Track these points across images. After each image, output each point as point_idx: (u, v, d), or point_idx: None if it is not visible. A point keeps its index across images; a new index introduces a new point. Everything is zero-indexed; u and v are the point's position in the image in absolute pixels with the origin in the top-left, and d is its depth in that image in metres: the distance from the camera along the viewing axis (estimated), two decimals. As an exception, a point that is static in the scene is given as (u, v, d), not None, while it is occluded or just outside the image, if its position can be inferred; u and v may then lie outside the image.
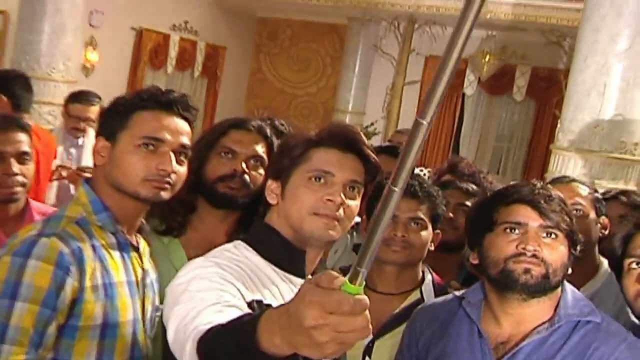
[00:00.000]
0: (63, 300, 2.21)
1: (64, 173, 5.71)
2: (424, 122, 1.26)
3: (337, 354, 1.31)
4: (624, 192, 3.88)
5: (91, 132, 6.32)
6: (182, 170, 2.43)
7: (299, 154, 2.21)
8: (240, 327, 1.54)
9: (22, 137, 3.21)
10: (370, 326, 1.29)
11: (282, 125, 3.87)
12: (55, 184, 4.80)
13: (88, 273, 2.28)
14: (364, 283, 1.29)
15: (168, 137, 2.37)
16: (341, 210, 2.14)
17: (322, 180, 2.16)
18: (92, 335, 2.29)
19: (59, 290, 2.20)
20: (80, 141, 6.21)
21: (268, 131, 2.95)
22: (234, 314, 1.76)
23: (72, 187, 5.60)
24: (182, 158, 2.41)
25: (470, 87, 17.18)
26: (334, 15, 17.92)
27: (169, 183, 2.37)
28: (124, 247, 2.44)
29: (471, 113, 17.50)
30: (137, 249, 2.50)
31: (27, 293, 2.16)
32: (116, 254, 2.40)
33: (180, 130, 2.41)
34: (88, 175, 5.79)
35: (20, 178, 3.14)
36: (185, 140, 2.43)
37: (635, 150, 8.16)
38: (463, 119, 17.51)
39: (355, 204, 2.21)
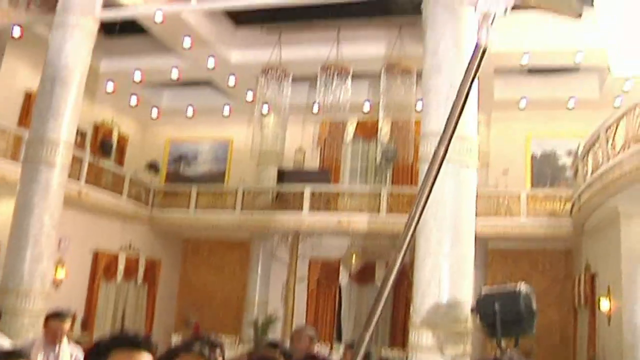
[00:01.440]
0: None
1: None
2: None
3: None
4: None
5: (64, 341, 6.11)
6: None
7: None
8: None
9: None
10: None
11: (215, 340, 3.85)
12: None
13: None
14: None
15: None
16: None
17: None
18: None
19: None
20: (56, 348, 5.97)
21: (207, 352, 2.94)
22: None
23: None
24: None
25: (344, 279, 17.40)
26: (241, 234, 18.13)
27: None
28: None
29: (347, 298, 17.62)
30: None
31: None
32: None
33: None
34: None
35: None
36: None
37: (466, 323, 8.31)
38: (342, 303, 17.58)
39: None
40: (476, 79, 6.66)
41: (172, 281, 19.57)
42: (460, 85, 1.55)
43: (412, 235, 1.33)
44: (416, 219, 1.32)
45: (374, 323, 1.33)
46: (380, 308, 1.34)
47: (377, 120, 15.05)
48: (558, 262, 16.45)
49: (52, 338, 6.00)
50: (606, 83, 14.92)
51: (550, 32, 13.38)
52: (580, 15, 1.86)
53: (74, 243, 15.62)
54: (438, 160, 1.48)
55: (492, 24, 1.67)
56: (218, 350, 3.53)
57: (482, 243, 13.29)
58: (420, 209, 1.33)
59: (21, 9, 12.04)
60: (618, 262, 11.19)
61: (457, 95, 1.55)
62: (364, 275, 17.01)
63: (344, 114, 13.91)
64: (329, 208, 16.46)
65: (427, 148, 8.64)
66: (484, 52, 1.56)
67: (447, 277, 8.35)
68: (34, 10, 11.90)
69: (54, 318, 6.15)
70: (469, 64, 1.52)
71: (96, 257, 16.96)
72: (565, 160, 16.90)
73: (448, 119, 1.55)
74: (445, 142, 1.51)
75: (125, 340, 2.43)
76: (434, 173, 1.49)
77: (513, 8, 1.67)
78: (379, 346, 15.37)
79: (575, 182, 13.55)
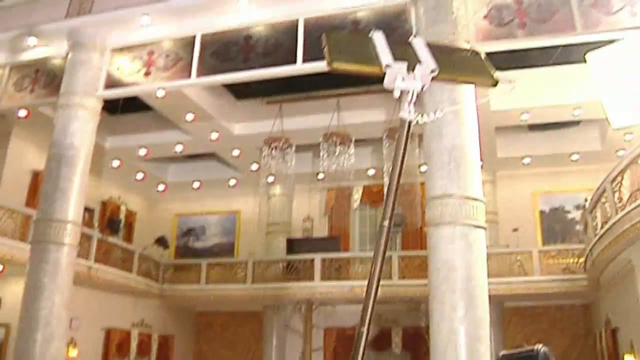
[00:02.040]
0: None
1: None
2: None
3: None
4: None
5: None
6: None
7: None
8: None
9: None
10: None
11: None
12: None
13: None
14: None
15: None
16: None
17: None
18: None
19: None
20: None
21: None
22: None
23: None
24: None
25: (359, 348, 17.13)
26: (253, 306, 18.00)
27: None
28: None
29: (365, 366, 17.27)
30: None
31: None
32: None
33: None
34: None
35: None
36: None
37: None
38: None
39: None
40: (478, 139, 6.68)
41: (186, 357, 19.31)
42: (394, 158, 1.62)
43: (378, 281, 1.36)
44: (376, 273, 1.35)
45: None
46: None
47: (383, 186, 15.09)
48: (577, 318, 16.20)
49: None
50: (608, 135, 14.99)
51: (548, 89, 13.53)
52: (495, 84, 1.92)
53: (86, 321, 15.52)
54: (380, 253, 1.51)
55: (412, 101, 1.73)
56: None
57: (497, 303, 13.13)
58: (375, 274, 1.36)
59: (26, 92, 12.27)
60: (638, 316, 10.99)
61: (392, 168, 1.62)
62: (380, 341, 16.76)
63: (349, 180, 13.97)
64: (341, 276, 16.37)
65: (434, 212, 8.62)
66: (409, 125, 1.61)
67: (463, 341, 8.20)
68: (38, 92, 12.13)
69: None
70: (398, 137, 1.61)
71: (108, 334, 16.82)
72: (575, 214, 16.84)
73: (388, 191, 1.63)
74: (387, 219, 1.55)
75: None
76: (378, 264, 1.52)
77: (431, 80, 1.76)
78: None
79: (586, 236, 13.44)
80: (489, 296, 8.69)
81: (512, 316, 16.47)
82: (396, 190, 1.57)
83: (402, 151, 1.59)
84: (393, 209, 1.54)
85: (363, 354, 1.34)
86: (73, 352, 15.18)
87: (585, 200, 13.09)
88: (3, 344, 14.44)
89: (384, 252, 1.35)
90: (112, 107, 14.33)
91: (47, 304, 10.93)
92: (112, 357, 16.78)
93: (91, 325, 15.92)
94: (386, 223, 1.54)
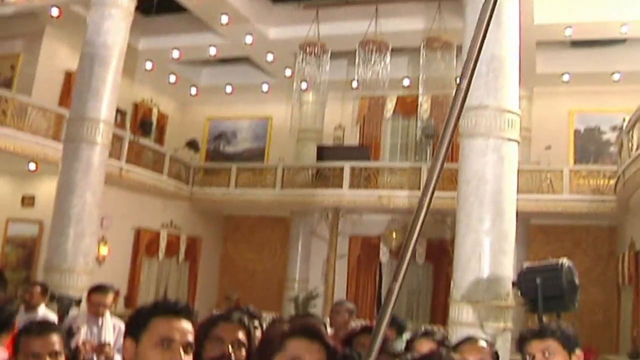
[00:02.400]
0: None
1: (88, 347, 5.59)
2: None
3: None
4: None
5: (107, 315, 6.22)
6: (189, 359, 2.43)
7: (278, 344, 2.21)
8: None
9: (55, 338, 3.18)
10: None
11: (254, 311, 3.87)
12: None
13: None
14: None
15: (177, 336, 2.36)
16: None
17: None
18: None
19: None
20: (100, 321, 6.08)
21: (246, 320, 2.97)
22: None
23: (95, 357, 5.45)
24: (189, 350, 2.43)
25: (384, 257, 17.36)
26: (281, 211, 18.20)
27: None
28: None
29: (387, 275, 17.60)
30: None
31: None
32: None
33: (186, 330, 2.40)
34: (108, 350, 5.68)
35: None
36: (190, 338, 2.41)
37: (507, 298, 8.25)
38: (382, 280, 17.60)
39: None
40: (518, 53, 6.51)
41: (213, 259, 19.75)
42: (474, 36, 1.49)
43: (426, 213, 1.30)
44: (428, 197, 1.29)
45: (395, 296, 1.30)
46: (400, 281, 1.31)
47: (417, 96, 14.90)
48: (602, 240, 16.18)
49: (95, 311, 6.11)
50: (653, 55, 14.57)
51: (595, 4, 13.07)
52: None
53: (116, 221, 15.85)
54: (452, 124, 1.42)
55: None
56: (257, 321, 3.55)
57: (523, 220, 13.11)
58: (432, 185, 1.30)
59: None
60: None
61: (471, 45, 1.49)
62: (405, 252, 16.94)
63: (383, 90, 13.79)
64: (369, 185, 16.41)
65: (468, 123, 8.54)
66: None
67: (488, 253, 8.29)
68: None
69: (96, 292, 6.26)
70: (481, 13, 1.46)
71: (138, 234, 17.21)
72: (610, 136, 16.57)
73: (462, 73, 1.49)
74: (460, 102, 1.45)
75: (165, 308, 2.45)
76: (447, 140, 1.43)
77: None
78: (419, 322, 15.33)
79: (620, 158, 13.26)
80: (516, 212, 8.72)
81: (536, 234, 16.50)
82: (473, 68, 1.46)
83: (484, 28, 1.45)
84: (464, 101, 1.44)
85: (403, 280, 1.31)
86: (104, 250, 15.59)
87: (624, 120, 12.84)
88: (37, 240, 14.89)
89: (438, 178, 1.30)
90: (146, 7, 14.18)
91: (79, 201, 11.18)
92: (141, 256, 17.21)
93: (121, 224, 16.27)
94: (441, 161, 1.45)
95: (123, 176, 15.50)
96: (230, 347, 2.81)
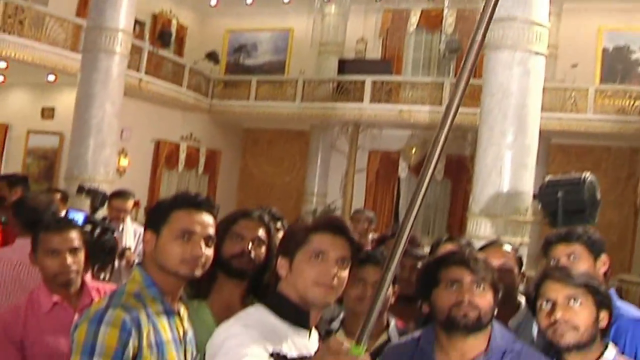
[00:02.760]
0: (127, 356, 2.23)
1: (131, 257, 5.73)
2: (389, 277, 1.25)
3: None
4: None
5: (128, 220, 6.28)
6: (210, 253, 2.41)
7: (302, 238, 2.17)
8: None
9: (74, 234, 3.19)
10: None
11: (276, 212, 3.85)
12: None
13: (144, 334, 2.27)
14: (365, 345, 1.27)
15: (198, 229, 2.37)
16: (335, 280, 2.12)
17: (320, 258, 2.12)
18: None
19: (124, 348, 2.21)
20: (120, 227, 6.14)
21: (266, 218, 2.95)
22: None
23: (116, 262, 5.52)
24: (210, 243, 2.42)
25: (403, 172, 17.35)
26: (300, 125, 18.13)
27: (201, 264, 2.37)
28: (169, 313, 2.41)
29: (406, 191, 17.65)
30: (178, 314, 2.48)
31: (101, 351, 2.19)
32: (164, 319, 2.38)
33: (207, 223, 2.41)
34: (129, 254, 5.77)
35: (74, 267, 3.13)
36: (211, 230, 2.42)
37: (526, 213, 8.26)
38: (400, 196, 17.66)
39: (345, 274, 2.17)
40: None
41: (233, 172, 19.86)
42: None
43: (449, 130, 1.24)
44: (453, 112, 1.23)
45: (415, 211, 1.25)
46: (421, 198, 1.26)
47: (442, 10, 14.55)
48: (622, 162, 16.03)
49: (115, 217, 6.18)
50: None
51: None
52: None
53: (136, 133, 15.90)
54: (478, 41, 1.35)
55: None
56: (279, 223, 3.53)
57: (544, 139, 12.93)
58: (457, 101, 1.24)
59: None
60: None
61: None
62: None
63: (407, 2, 13.46)
64: (390, 99, 16.24)
65: (495, 35, 8.34)
66: None
67: (508, 166, 8.26)
68: None
69: (116, 197, 6.32)
70: None
71: (158, 146, 17.28)
72: (639, 55, 16.17)
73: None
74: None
75: (186, 200, 2.43)
76: (472, 57, 1.36)
77: None
78: (436, 238, 15.45)
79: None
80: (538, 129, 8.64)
81: (557, 153, 16.37)
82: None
83: None
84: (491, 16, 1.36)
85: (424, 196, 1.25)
86: (124, 161, 15.70)
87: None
88: (57, 152, 15.02)
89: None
90: None
91: (99, 112, 11.20)
92: (161, 168, 17.33)
93: (141, 136, 16.32)
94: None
95: (142, 87, 15.43)
96: (250, 244, 2.82)
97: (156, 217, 2.43)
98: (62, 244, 3.13)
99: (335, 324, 3.12)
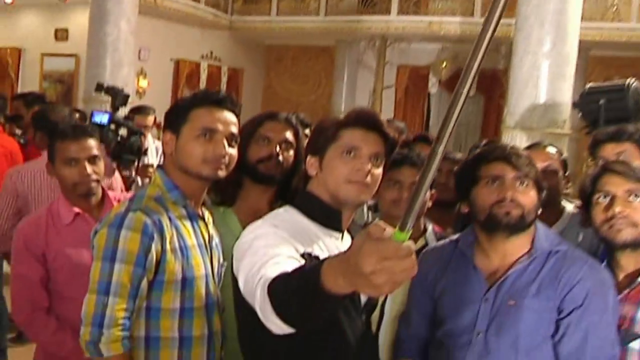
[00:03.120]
0: (150, 261, 2.21)
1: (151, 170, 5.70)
2: (439, 151, 1.16)
3: (392, 292, 1.22)
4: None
5: (149, 137, 6.27)
6: (234, 152, 2.37)
7: (332, 134, 2.11)
8: (306, 273, 1.46)
9: (92, 142, 3.14)
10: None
11: (305, 117, 3.78)
12: (118, 176, 4.72)
13: (167, 239, 2.25)
14: (410, 231, 1.18)
15: (220, 127, 2.32)
16: (369, 178, 2.06)
17: (352, 154, 2.07)
18: (175, 288, 2.29)
19: (146, 253, 2.20)
20: (142, 143, 6.14)
21: (294, 120, 2.88)
22: (292, 264, 1.70)
23: (139, 179, 5.53)
24: (233, 143, 2.37)
25: (433, 87, 17.12)
26: (325, 40, 17.86)
27: (224, 164, 2.33)
28: (193, 217, 2.39)
29: (436, 107, 17.49)
30: (203, 219, 2.45)
31: (122, 256, 2.18)
32: (187, 223, 2.36)
33: (229, 121, 2.36)
34: (151, 170, 5.76)
35: (93, 176, 3.08)
36: (234, 129, 2.38)
37: (564, 126, 8.14)
38: (430, 113, 17.52)
39: (379, 172, 2.11)
40: None
41: (256, 91, 19.72)
42: None
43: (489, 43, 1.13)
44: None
45: (449, 132, 1.16)
46: (456, 116, 1.20)
47: None
48: (665, 71, 15.66)
49: (137, 133, 6.16)
50: None
51: None
52: None
53: (154, 52, 15.78)
54: None
55: None
56: (308, 130, 3.47)
57: (583, 50, 12.58)
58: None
59: None
60: None
61: None
62: (455, 82, 16.54)
63: None
64: (419, 10, 15.85)
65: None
66: None
67: (545, 77, 8.10)
68: None
69: (137, 113, 6.31)
70: None
71: (177, 66, 17.16)
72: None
73: None
74: None
75: (207, 98, 2.36)
76: None
77: None
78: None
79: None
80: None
81: (595, 66, 15.98)
82: None
83: None
84: None
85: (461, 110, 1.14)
86: (143, 82, 15.63)
87: None
88: (74, 74, 15.00)
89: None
90: None
91: (114, 30, 11.12)
92: (182, 88, 17.25)
93: (160, 56, 16.19)
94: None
95: (158, 4, 15.19)
96: (277, 147, 2.75)
97: (175, 116, 2.38)
98: (80, 152, 3.08)
99: None
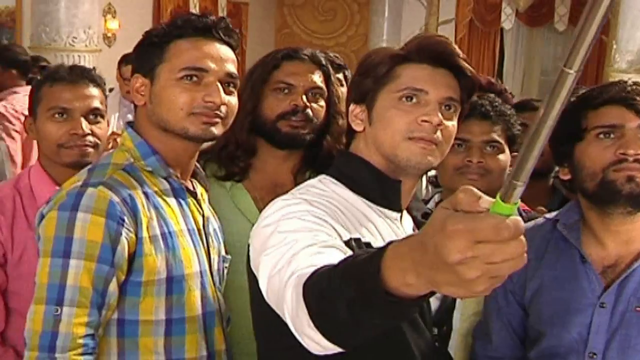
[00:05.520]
0: (121, 255, 2.07)
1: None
2: (572, 72, 1.00)
3: (487, 291, 1.05)
4: None
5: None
6: (233, 100, 2.25)
7: (385, 73, 1.98)
8: (359, 268, 1.30)
9: (93, 91, 2.87)
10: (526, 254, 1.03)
11: (337, 57, 3.67)
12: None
13: (144, 223, 2.13)
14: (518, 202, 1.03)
15: (212, 65, 2.19)
16: (439, 133, 1.94)
17: (414, 100, 1.94)
18: (158, 291, 2.15)
19: (114, 243, 2.05)
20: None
21: (322, 59, 2.79)
22: (335, 256, 1.55)
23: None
24: (231, 88, 2.25)
25: (508, 20, 17.00)
26: (357, -42, 17.91)
27: (219, 116, 2.20)
28: (180, 192, 2.28)
29: (511, 48, 17.43)
30: (194, 195, 2.35)
31: (79, 249, 2.03)
32: (172, 201, 2.25)
33: (224, 57, 2.24)
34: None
35: (90, 138, 2.80)
36: (232, 67, 2.25)
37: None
38: (504, 55, 17.42)
39: (452, 124, 2.00)
40: None
41: (265, 32, 19.69)
42: None
43: None
44: None
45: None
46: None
47: None
48: None
49: (129, 90, 6.27)
50: None
51: None
52: None
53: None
54: None
55: None
56: (342, 74, 3.41)
57: None
58: None
59: None
60: None
61: None
62: (538, 12, 16.58)
63: None
64: None
65: None
66: None
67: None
68: None
69: (128, 62, 6.48)
70: None
71: (158, 0, 17.21)
72: None
73: None
74: None
75: (190, 25, 2.25)
76: None
77: None
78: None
79: None
80: None
81: None
82: None
83: None
84: None
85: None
86: (113, 24, 15.63)
87: None
88: (17, 13, 15.04)
89: None
90: None
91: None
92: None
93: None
94: None
95: None
96: (303, 97, 2.66)
97: (147, 53, 2.28)
98: (74, 100, 2.81)
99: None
